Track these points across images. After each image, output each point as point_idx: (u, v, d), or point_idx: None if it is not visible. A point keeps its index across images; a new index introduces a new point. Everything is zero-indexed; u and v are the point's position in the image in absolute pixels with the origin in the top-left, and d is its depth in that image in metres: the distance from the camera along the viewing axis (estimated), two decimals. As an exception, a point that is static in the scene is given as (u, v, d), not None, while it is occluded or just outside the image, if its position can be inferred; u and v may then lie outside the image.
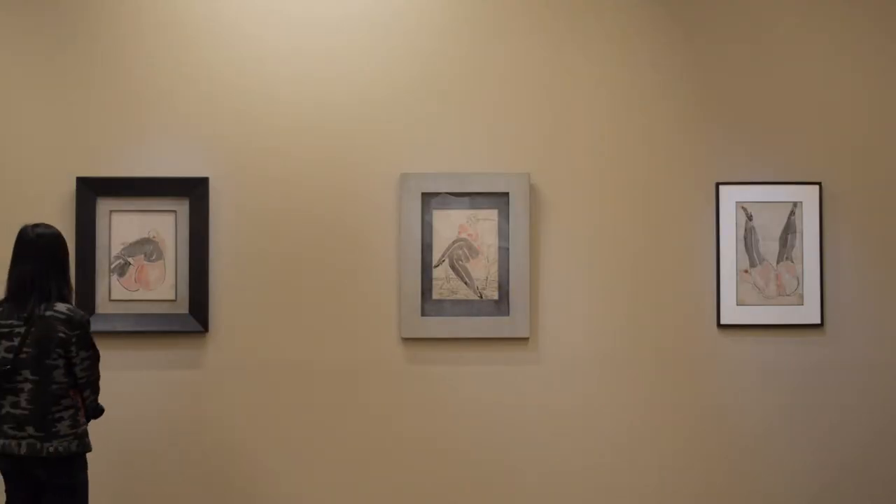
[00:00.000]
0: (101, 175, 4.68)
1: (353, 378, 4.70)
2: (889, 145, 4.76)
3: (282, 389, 4.70)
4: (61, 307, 3.98)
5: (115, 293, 4.67)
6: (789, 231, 4.72)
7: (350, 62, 4.75)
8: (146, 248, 4.71)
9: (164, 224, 4.71)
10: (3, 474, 4.06)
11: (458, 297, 4.71)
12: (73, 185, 4.68)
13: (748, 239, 4.71)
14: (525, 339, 4.70)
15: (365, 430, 4.70)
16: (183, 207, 4.70)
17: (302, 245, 4.71)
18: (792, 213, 4.72)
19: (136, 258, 4.71)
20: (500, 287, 4.70)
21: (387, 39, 4.75)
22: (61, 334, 3.95)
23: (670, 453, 4.71)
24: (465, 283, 4.71)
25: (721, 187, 4.71)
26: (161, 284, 4.70)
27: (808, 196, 4.71)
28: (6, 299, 4.03)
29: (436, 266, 4.71)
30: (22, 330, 3.95)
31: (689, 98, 4.76)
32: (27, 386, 3.95)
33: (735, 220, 4.70)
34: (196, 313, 4.67)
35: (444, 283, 4.70)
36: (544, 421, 4.70)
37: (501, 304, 4.70)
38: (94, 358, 4.07)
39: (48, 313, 3.96)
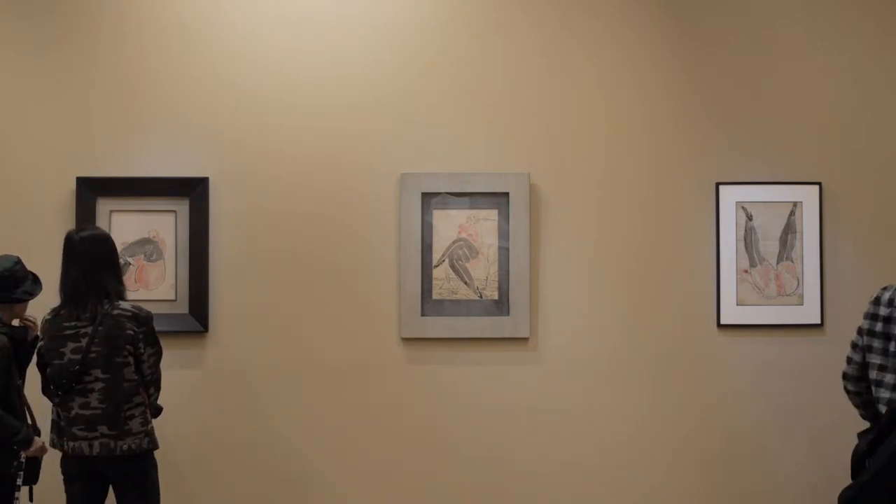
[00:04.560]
0: (101, 175, 4.69)
1: (353, 378, 4.70)
2: (889, 145, 4.75)
3: (281, 389, 4.70)
4: (126, 305, 4.01)
5: (115, 293, 4.67)
6: (789, 231, 4.71)
7: (350, 62, 4.74)
8: (146, 248, 4.71)
9: (164, 224, 4.71)
10: (67, 477, 4.05)
11: (458, 297, 4.70)
12: (73, 185, 4.68)
13: (748, 239, 4.70)
14: (525, 339, 4.70)
15: (365, 429, 4.70)
16: (183, 207, 4.70)
17: (302, 245, 4.71)
18: (792, 213, 4.71)
19: (137, 258, 4.71)
20: (500, 287, 4.70)
21: (387, 39, 4.75)
22: (130, 331, 3.97)
23: (670, 453, 4.71)
24: (465, 283, 4.71)
25: (721, 187, 4.70)
26: (161, 284, 4.71)
27: (808, 196, 4.70)
28: (63, 304, 4.02)
29: (436, 266, 4.71)
30: (89, 330, 3.95)
31: (688, 98, 4.76)
32: (98, 385, 3.95)
33: (735, 220, 4.70)
34: (196, 313, 4.67)
35: (444, 283, 4.70)
36: (544, 420, 4.70)
37: (501, 304, 4.70)
38: (159, 354, 4.10)
39: (115, 311, 3.97)
